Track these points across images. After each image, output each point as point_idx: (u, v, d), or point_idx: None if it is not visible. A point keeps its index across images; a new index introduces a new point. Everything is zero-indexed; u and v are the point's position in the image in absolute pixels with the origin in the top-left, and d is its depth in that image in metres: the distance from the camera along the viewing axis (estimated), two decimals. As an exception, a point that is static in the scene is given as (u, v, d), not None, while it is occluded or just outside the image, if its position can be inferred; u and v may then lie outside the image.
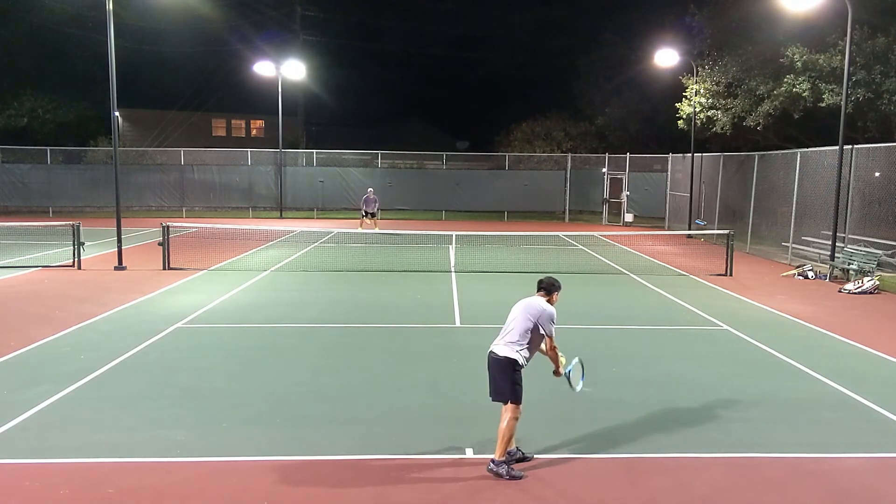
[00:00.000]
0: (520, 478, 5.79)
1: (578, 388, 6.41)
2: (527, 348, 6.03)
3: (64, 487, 5.60)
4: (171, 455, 6.18)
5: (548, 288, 6.31)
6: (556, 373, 6.35)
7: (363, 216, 26.06)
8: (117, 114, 17.25)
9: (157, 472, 5.91)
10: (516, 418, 5.88)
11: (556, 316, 6.17)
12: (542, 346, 6.20)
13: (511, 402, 5.90)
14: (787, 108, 22.16)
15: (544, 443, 6.52)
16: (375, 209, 26.07)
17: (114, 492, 5.54)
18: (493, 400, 6.04)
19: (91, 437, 6.57)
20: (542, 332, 6.07)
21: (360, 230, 24.70)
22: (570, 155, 36.08)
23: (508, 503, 5.46)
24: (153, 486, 5.65)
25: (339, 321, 11.59)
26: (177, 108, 43.20)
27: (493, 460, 5.86)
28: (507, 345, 5.99)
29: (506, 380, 5.91)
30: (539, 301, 6.19)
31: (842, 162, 16.39)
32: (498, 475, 5.78)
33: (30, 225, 23.59)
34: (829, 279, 16.29)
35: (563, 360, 6.32)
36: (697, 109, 25.71)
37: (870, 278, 14.94)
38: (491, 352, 6.06)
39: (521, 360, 5.96)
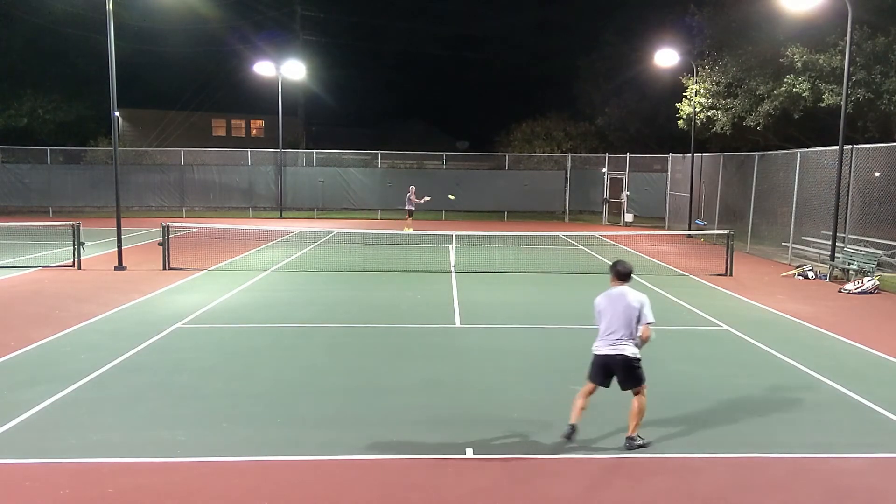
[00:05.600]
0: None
1: None
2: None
3: (64, 487, 5.60)
4: (171, 455, 6.18)
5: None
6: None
7: (408, 217, 25.73)
8: (117, 114, 17.25)
9: (157, 472, 5.90)
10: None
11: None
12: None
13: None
14: (787, 108, 22.16)
15: (544, 443, 6.52)
16: (413, 207, 25.68)
17: (114, 492, 5.54)
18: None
19: (91, 437, 6.57)
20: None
21: (405, 230, 23.70)
22: (570, 155, 36.08)
23: (508, 503, 5.46)
24: (153, 486, 5.65)
25: (339, 321, 11.58)
26: (177, 108, 43.18)
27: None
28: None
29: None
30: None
31: (842, 162, 16.38)
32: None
33: (30, 225, 23.59)
34: (829, 279, 16.29)
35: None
36: (697, 109, 25.71)
37: (870, 278, 14.94)
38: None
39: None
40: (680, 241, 23.90)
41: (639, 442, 6.45)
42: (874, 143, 18.28)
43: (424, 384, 8.26)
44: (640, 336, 6.46)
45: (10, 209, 32.98)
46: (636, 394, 6.51)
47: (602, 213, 33.85)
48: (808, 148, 20.00)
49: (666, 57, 26.03)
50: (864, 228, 17.34)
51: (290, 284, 14.94)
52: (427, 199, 26.15)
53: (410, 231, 23.53)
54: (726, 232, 18.03)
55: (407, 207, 25.91)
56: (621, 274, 6.64)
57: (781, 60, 21.24)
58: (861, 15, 18.30)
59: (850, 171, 17.29)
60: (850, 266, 15.94)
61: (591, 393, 6.57)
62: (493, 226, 30.70)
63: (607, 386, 6.57)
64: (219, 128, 50.61)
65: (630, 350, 6.42)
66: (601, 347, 6.48)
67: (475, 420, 7.09)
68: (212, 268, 16.83)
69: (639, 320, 6.45)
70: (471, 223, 31.05)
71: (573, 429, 6.42)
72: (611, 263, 6.80)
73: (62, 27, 38.26)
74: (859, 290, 14.68)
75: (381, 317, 11.89)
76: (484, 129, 49.14)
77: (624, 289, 6.57)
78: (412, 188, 26.38)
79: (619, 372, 6.47)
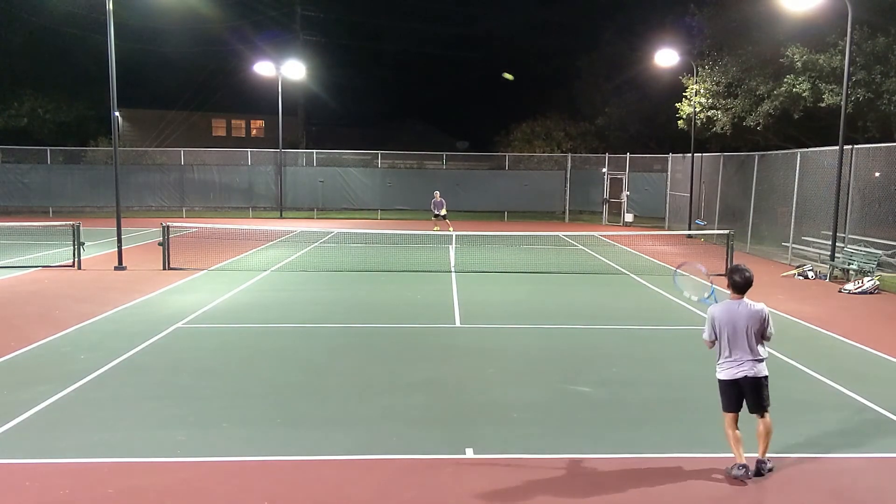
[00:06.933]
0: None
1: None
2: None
3: (64, 487, 5.60)
4: (171, 455, 6.18)
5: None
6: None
7: (433, 218, 26.46)
8: (117, 114, 17.25)
9: (157, 472, 5.90)
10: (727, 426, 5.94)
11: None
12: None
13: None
14: (787, 108, 22.16)
15: (544, 443, 6.52)
16: (442, 210, 26.36)
17: (114, 492, 5.54)
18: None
19: (91, 437, 6.57)
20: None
21: (435, 231, 24.71)
22: (570, 155, 36.10)
23: (508, 503, 5.46)
24: (153, 486, 5.65)
25: (339, 321, 11.59)
26: (177, 108, 43.20)
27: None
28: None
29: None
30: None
31: (842, 162, 16.38)
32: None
33: (30, 225, 23.60)
34: (829, 279, 16.29)
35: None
36: (697, 109, 25.71)
37: (870, 278, 14.94)
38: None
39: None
40: (680, 241, 23.91)
41: (769, 466, 5.89)
42: (874, 143, 18.28)
43: (424, 384, 8.26)
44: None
45: (10, 209, 32.99)
46: (762, 416, 5.91)
47: (602, 213, 33.86)
48: (808, 148, 20.00)
49: (666, 57, 26.04)
50: (864, 228, 17.33)
51: (290, 284, 14.95)
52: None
53: (451, 231, 24.07)
54: (726, 232, 18.04)
55: (434, 212, 26.50)
56: (739, 286, 5.82)
57: (781, 60, 21.24)
58: (861, 15, 18.29)
59: (850, 171, 17.29)
60: (850, 266, 15.94)
61: (736, 421, 5.92)
62: (493, 226, 30.71)
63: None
64: (219, 128, 50.63)
65: (761, 370, 5.82)
66: (727, 371, 5.85)
67: (475, 420, 7.09)
68: (212, 268, 16.83)
69: (762, 334, 5.85)
70: (471, 223, 31.04)
71: (747, 468, 5.78)
72: (730, 269, 5.99)
73: (62, 27, 38.30)
74: (859, 290, 14.68)
75: (380, 317, 11.90)
76: (484, 129, 49.13)
77: (745, 301, 5.84)
78: (437, 193, 26.84)
79: (749, 394, 5.86)
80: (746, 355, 5.81)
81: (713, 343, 5.99)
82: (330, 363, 9.16)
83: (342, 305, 12.84)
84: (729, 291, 5.99)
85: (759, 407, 5.91)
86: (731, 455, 6.28)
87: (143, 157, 36.66)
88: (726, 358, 5.87)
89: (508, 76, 27.02)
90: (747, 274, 5.86)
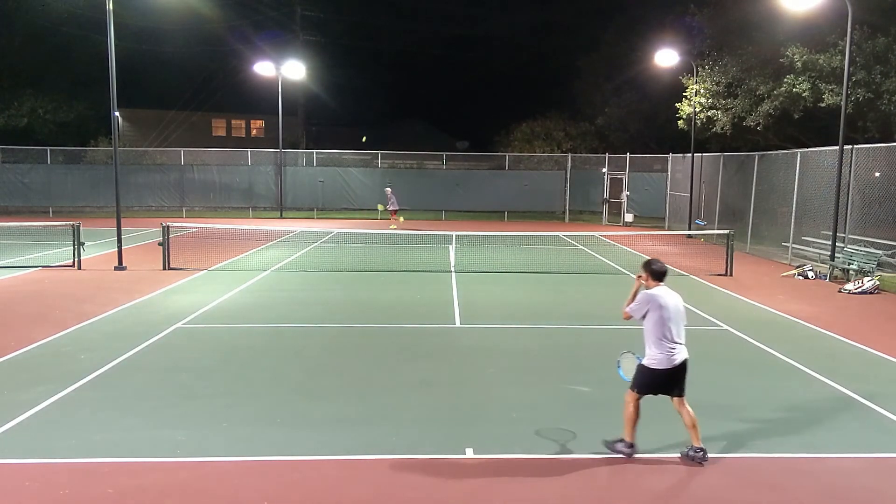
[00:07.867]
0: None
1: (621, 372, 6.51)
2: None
3: (64, 487, 5.60)
4: (171, 455, 6.18)
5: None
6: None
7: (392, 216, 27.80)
8: (117, 114, 17.25)
9: (157, 472, 5.91)
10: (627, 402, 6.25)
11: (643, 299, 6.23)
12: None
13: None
14: (787, 108, 22.16)
15: (544, 443, 6.53)
16: (390, 206, 27.57)
17: (114, 492, 5.54)
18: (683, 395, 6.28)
19: (91, 437, 6.58)
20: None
21: (392, 228, 25.71)
22: (570, 155, 36.09)
23: (508, 503, 5.46)
24: (153, 486, 5.65)
25: (339, 321, 11.59)
26: (177, 108, 43.19)
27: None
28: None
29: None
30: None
31: (842, 162, 16.38)
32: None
33: (30, 225, 23.58)
34: (829, 279, 16.29)
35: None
36: (697, 109, 25.71)
37: (870, 278, 14.94)
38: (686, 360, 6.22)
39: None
40: (680, 241, 23.91)
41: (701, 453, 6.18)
42: (874, 143, 18.28)
43: (424, 384, 8.26)
44: None
45: (10, 209, 32.98)
46: (682, 400, 6.28)
47: (602, 213, 33.86)
48: (808, 148, 20.00)
49: (666, 57, 26.02)
50: (864, 228, 17.33)
51: (290, 284, 14.95)
52: (381, 207, 28.85)
53: (392, 227, 25.27)
54: (726, 232, 18.04)
55: (390, 208, 27.92)
56: (659, 273, 6.22)
57: (781, 60, 21.24)
58: (861, 15, 18.28)
59: (850, 171, 17.29)
60: (850, 266, 15.94)
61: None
62: (493, 226, 30.70)
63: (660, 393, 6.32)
64: (219, 128, 50.62)
65: (686, 352, 6.22)
66: (665, 358, 6.11)
67: (475, 420, 7.10)
68: (212, 268, 16.83)
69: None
70: (471, 223, 31.05)
71: (633, 448, 6.19)
72: (645, 261, 6.36)
73: (62, 27, 38.27)
74: (859, 290, 14.68)
75: (380, 317, 11.90)
76: (484, 129, 49.16)
77: (669, 289, 6.24)
78: (388, 189, 28.32)
79: (679, 378, 6.22)
80: (681, 340, 6.21)
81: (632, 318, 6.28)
82: (330, 363, 9.17)
83: (342, 305, 12.84)
84: (652, 286, 6.25)
85: (683, 389, 6.27)
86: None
87: (143, 157, 36.64)
88: (668, 347, 6.11)
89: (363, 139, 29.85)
90: (663, 264, 6.33)
